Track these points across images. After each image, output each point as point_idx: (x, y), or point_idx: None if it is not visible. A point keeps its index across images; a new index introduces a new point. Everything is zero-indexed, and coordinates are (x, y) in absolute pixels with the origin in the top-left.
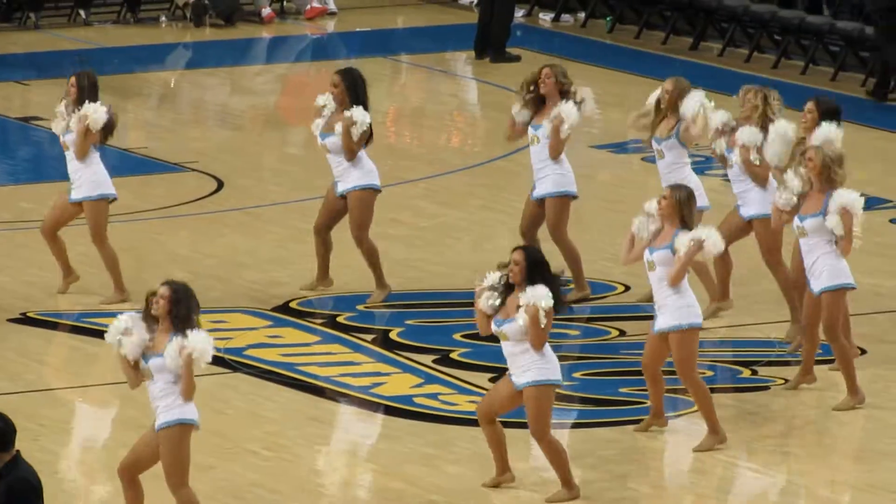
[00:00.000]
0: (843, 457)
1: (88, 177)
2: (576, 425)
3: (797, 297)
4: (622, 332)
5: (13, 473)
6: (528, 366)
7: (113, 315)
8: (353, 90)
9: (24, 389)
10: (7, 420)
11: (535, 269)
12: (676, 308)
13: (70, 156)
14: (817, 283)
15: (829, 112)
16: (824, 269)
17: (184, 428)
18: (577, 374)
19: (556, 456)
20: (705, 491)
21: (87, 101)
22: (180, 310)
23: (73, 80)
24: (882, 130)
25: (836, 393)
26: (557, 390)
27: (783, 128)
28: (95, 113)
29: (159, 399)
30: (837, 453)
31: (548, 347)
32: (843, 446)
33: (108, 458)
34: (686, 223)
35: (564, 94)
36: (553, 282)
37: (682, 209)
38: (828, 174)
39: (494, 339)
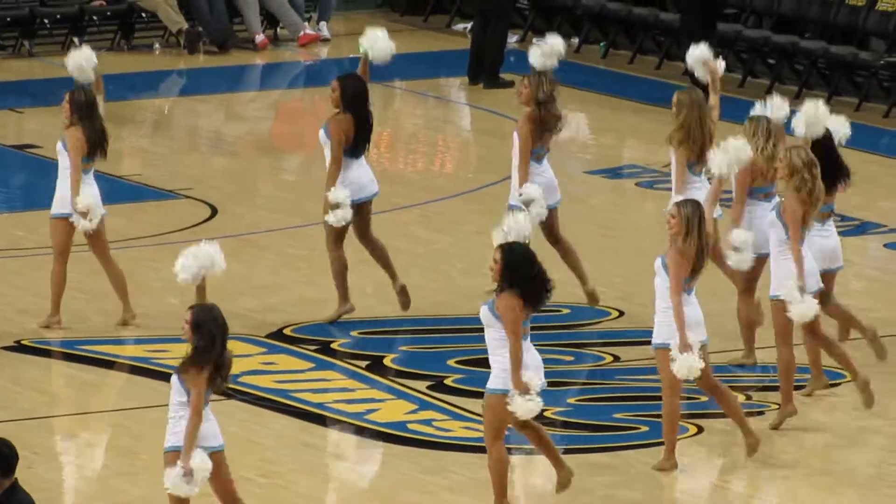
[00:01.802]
0: (839, 480)
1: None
2: (570, 451)
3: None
4: (616, 358)
5: (11, 501)
6: (493, 371)
7: (111, 342)
8: (348, 95)
9: (19, 417)
10: (11, 446)
11: (512, 270)
12: (662, 324)
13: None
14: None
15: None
16: (773, 276)
17: (175, 455)
18: (571, 400)
19: (496, 468)
20: None
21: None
22: (203, 334)
23: (66, 96)
24: (876, 155)
25: (830, 416)
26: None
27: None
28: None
29: (171, 417)
30: (833, 477)
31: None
32: (840, 470)
33: (102, 487)
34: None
35: (541, 103)
36: (530, 282)
37: (691, 224)
38: (797, 179)
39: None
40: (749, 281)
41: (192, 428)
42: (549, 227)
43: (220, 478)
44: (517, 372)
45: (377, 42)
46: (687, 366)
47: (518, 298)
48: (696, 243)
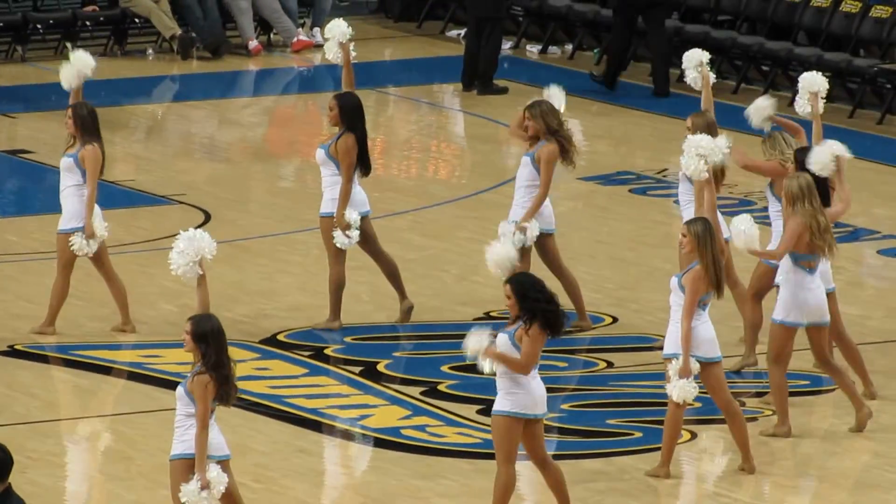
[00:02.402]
0: (829, 486)
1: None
2: (563, 456)
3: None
4: (610, 364)
5: None
6: (500, 394)
7: (106, 347)
8: (346, 114)
9: (12, 422)
10: (6, 451)
11: (526, 297)
12: (674, 334)
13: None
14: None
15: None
16: (779, 300)
17: (181, 463)
18: (564, 406)
19: (500, 488)
20: None
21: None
22: (208, 346)
23: (69, 111)
24: (870, 161)
25: (823, 422)
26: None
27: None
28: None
29: (177, 427)
30: (825, 483)
31: (528, 378)
32: (830, 475)
33: (96, 492)
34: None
35: (555, 132)
36: (547, 304)
37: (703, 241)
38: (792, 206)
39: (480, 371)
40: (762, 288)
41: (200, 441)
42: (551, 256)
43: (227, 487)
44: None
45: (334, 26)
46: (681, 389)
47: (543, 333)
48: (709, 259)
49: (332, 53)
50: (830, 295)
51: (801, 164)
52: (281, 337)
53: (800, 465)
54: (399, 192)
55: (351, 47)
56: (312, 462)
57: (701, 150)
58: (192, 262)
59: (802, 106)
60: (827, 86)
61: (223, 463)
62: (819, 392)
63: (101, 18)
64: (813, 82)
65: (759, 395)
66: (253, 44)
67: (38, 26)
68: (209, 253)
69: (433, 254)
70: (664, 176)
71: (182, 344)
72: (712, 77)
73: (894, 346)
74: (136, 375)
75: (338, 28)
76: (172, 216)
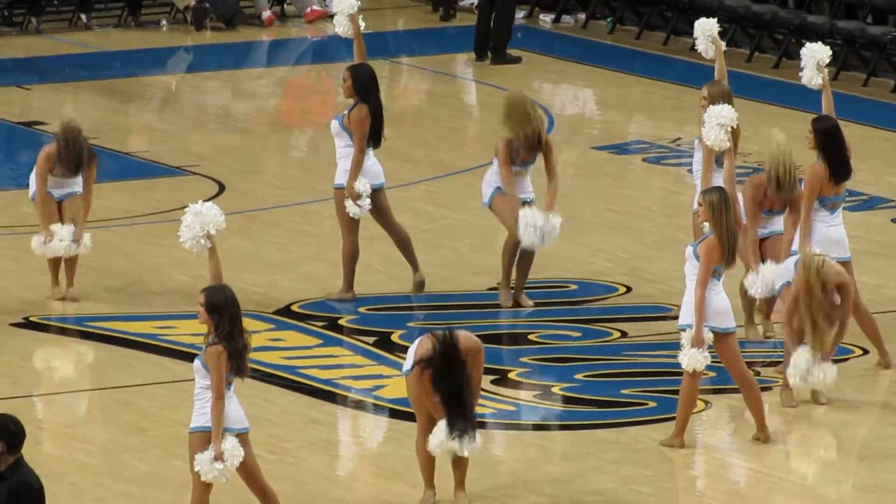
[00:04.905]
0: (846, 456)
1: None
2: (577, 427)
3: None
4: (624, 334)
5: (16, 476)
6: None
7: (119, 318)
8: (359, 86)
9: (26, 394)
10: (18, 423)
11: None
12: (686, 306)
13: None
14: None
15: (824, 132)
16: None
17: (200, 435)
18: (578, 376)
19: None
20: (708, 492)
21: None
22: (221, 317)
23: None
24: (884, 130)
25: (837, 391)
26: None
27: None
28: None
29: (197, 399)
30: (840, 452)
31: None
32: (846, 445)
33: (110, 463)
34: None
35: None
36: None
37: (718, 210)
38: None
39: (495, 341)
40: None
41: (216, 412)
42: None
43: (245, 460)
44: None
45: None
46: (690, 358)
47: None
48: (724, 229)
49: (342, 27)
50: (846, 264)
51: (819, 133)
52: (295, 307)
53: (814, 434)
54: (412, 162)
55: (360, 18)
56: (327, 433)
57: (722, 120)
58: (199, 236)
59: (811, 77)
60: (829, 54)
61: (242, 436)
62: (836, 361)
63: None
64: (815, 51)
65: (772, 364)
66: (266, 14)
67: None
68: (214, 227)
69: (447, 224)
70: (678, 145)
71: (197, 315)
72: (723, 45)
73: None
74: (150, 346)
75: (345, 1)
76: (186, 187)
